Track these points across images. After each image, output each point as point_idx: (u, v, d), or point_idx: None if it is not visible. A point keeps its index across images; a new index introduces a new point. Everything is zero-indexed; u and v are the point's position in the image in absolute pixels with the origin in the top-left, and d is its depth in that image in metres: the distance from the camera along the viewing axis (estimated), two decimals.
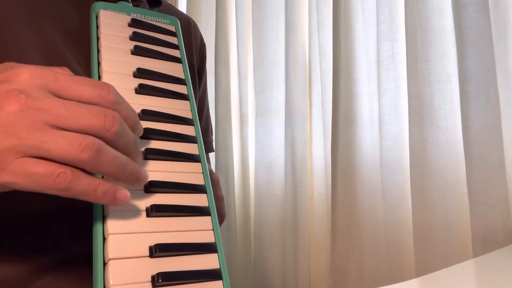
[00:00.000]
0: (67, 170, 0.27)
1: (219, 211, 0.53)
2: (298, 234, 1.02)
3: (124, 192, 0.30)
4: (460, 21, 0.72)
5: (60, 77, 0.30)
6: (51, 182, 0.27)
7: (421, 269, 0.76)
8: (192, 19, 0.74)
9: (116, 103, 0.31)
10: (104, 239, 0.32)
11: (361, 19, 0.92)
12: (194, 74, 0.69)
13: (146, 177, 0.33)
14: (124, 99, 0.32)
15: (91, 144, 0.27)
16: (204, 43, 0.75)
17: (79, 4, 0.51)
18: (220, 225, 0.57)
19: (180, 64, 0.45)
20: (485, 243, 0.68)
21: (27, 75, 0.28)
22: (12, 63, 0.30)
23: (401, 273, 0.81)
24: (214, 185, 0.52)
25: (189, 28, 0.71)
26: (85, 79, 0.31)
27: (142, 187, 0.35)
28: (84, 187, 0.28)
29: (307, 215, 1.01)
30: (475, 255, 0.70)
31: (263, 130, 1.12)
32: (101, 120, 0.28)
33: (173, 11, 0.70)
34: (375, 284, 0.85)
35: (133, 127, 0.33)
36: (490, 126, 0.68)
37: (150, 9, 0.62)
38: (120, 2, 0.46)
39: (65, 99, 0.29)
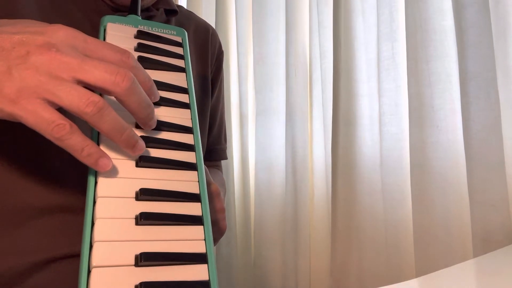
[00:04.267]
0: (67, 124, 0.31)
1: (216, 223, 0.51)
2: (299, 234, 1.02)
3: (106, 161, 0.33)
4: (460, 21, 0.72)
5: (89, 39, 0.34)
6: (50, 128, 0.30)
7: (421, 269, 0.76)
8: (212, 26, 0.74)
9: (134, 68, 0.35)
10: (91, 245, 0.31)
11: (361, 19, 0.92)
12: (206, 82, 0.69)
13: (143, 148, 0.35)
14: (141, 66, 0.36)
15: (96, 101, 0.31)
16: (222, 51, 0.75)
17: (89, 11, 0.52)
18: (219, 238, 0.55)
19: (184, 74, 0.45)
20: (485, 243, 0.68)
21: (62, 33, 0.33)
22: (46, 24, 0.34)
23: (401, 273, 0.81)
24: (212, 197, 0.51)
25: (206, 35, 0.71)
26: (110, 45, 0.35)
27: (134, 194, 0.35)
28: (74, 142, 0.31)
29: (307, 215, 1.01)
30: (475, 255, 0.70)
31: (263, 130, 1.12)
32: (113, 76, 0.32)
33: (192, 18, 0.71)
34: (375, 284, 0.85)
35: (149, 93, 0.36)
36: (490, 126, 0.68)
37: (167, 19, 0.62)
38: (129, 15, 0.47)
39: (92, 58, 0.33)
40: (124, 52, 0.35)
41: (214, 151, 0.77)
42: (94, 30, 0.44)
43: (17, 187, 0.45)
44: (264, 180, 1.11)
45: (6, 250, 0.43)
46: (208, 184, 0.49)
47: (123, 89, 0.32)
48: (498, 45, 0.69)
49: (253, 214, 1.14)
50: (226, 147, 0.80)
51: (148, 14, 0.58)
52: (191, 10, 1.34)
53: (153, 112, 0.36)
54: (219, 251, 1.15)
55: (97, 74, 0.32)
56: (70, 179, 0.46)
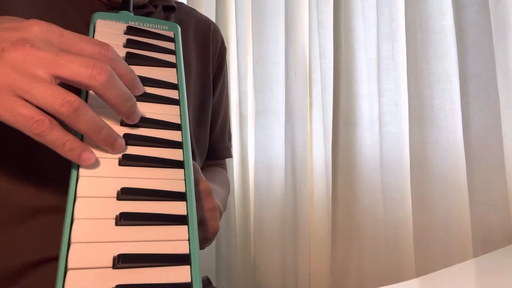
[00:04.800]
0: (46, 120, 0.30)
1: (205, 222, 0.49)
2: (298, 234, 1.02)
3: (89, 154, 0.33)
4: (460, 21, 0.72)
5: (65, 33, 0.33)
6: (29, 125, 0.30)
7: (421, 269, 0.76)
8: (213, 22, 0.73)
9: (113, 60, 0.34)
10: (69, 247, 0.30)
11: (361, 19, 0.92)
12: (207, 79, 0.68)
13: (122, 145, 0.35)
14: (122, 59, 0.35)
15: (72, 101, 0.30)
16: (225, 47, 0.74)
17: (84, 9, 0.52)
18: (210, 239, 0.52)
19: (175, 69, 0.44)
20: (485, 243, 0.68)
21: (37, 28, 0.32)
22: (22, 19, 0.34)
23: (401, 273, 0.81)
24: (201, 196, 0.49)
25: (208, 32, 0.70)
26: (88, 38, 0.34)
27: (115, 194, 0.34)
28: (55, 138, 0.31)
29: (307, 215, 1.01)
30: (475, 255, 0.70)
31: (263, 130, 1.12)
32: (89, 70, 0.31)
33: (193, 15, 0.70)
34: (375, 284, 0.85)
35: (131, 86, 0.35)
36: (490, 126, 0.68)
37: (166, 16, 0.61)
38: (121, 12, 0.46)
39: (68, 52, 0.33)
40: (102, 45, 0.34)
41: (217, 149, 0.75)
42: (88, 28, 0.44)
43: (10, 188, 0.44)
44: (263, 180, 1.11)
45: (0, 250, 0.43)
46: (198, 182, 0.47)
47: (100, 83, 0.31)
48: (498, 45, 0.69)
49: (252, 214, 1.14)
50: (230, 145, 0.78)
51: (145, 11, 0.57)
52: None
53: (135, 105, 0.35)
54: (219, 251, 1.15)
55: (73, 69, 0.31)
56: (61, 179, 0.46)
